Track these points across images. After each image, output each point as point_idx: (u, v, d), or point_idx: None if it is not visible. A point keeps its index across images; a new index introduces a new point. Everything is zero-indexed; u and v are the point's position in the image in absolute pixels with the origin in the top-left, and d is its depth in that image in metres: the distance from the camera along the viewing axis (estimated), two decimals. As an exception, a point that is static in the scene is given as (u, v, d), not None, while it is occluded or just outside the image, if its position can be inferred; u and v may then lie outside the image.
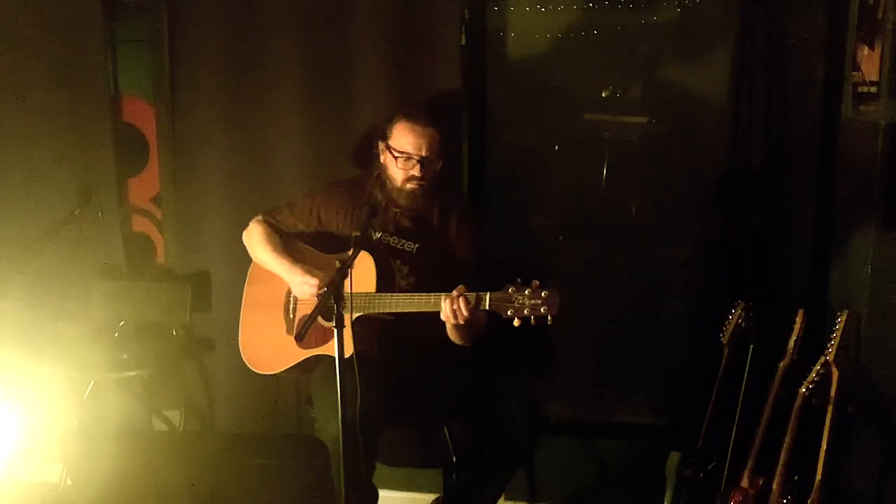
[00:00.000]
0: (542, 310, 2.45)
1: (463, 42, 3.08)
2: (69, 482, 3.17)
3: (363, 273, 2.62)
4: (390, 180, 2.77)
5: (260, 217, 2.94)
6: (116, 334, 3.44)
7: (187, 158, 3.30)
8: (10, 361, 3.24)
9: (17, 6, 3.25)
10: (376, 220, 2.73)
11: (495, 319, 2.52)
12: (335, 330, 2.21)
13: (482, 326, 2.61)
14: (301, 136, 3.17)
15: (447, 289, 2.53)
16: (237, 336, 2.93)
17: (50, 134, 3.33)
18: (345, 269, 2.28)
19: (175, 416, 3.47)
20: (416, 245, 2.79)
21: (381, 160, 2.80)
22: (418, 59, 3.06)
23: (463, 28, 3.08)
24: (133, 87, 3.43)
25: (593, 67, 3.37)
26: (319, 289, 2.70)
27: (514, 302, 2.47)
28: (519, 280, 2.48)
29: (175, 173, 3.34)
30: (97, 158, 3.35)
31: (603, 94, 3.38)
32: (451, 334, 2.67)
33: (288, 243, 2.88)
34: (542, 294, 2.45)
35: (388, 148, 2.75)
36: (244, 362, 2.89)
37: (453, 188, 3.03)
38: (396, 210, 2.79)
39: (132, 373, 3.21)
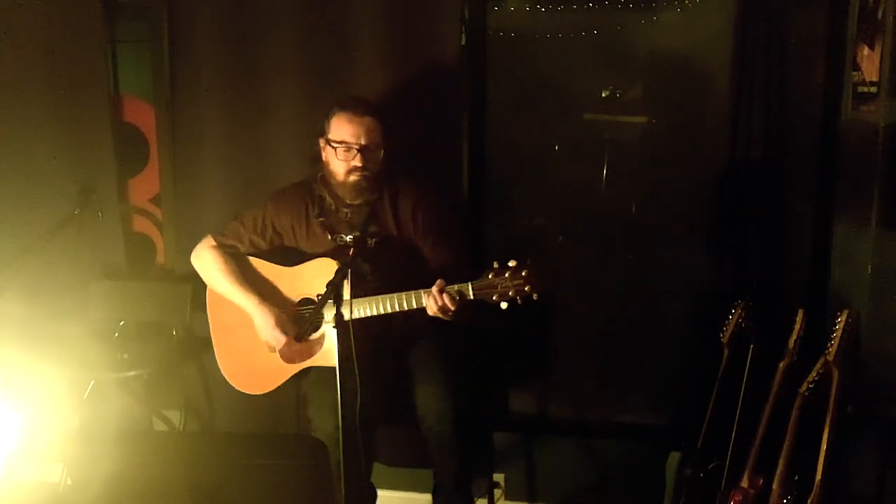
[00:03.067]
0: (525, 289, 2.42)
1: (463, 42, 3.09)
2: (69, 482, 3.16)
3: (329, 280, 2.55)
4: (333, 176, 2.74)
5: (211, 241, 2.87)
6: (116, 334, 3.43)
7: (187, 158, 3.30)
8: (10, 361, 3.24)
9: (16, 6, 3.25)
10: (329, 223, 2.72)
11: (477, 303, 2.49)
12: (335, 331, 2.21)
13: (470, 310, 2.54)
14: (301, 136, 3.16)
15: (416, 279, 2.49)
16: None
17: (50, 134, 3.33)
18: (345, 269, 2.28)
19: (175, 416, 3.47)
20: (374, 241, 2.74)
21: (324, 157, 2.77)
22: (418, 59, 3.06)
23: (463, 28, 3.08)
24: (133, 87, 3.43)
25: (593, 67, 3.37)
26: (281, 345, 2.70)
27: (496, 287, 2.44)
28: (496, 264, 2.46)
29: (175, 173, 3.33)
30: (97, 158, 3.34)
31: (603, 94, 3.38)
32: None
33: (246, 267, 2.83)
34: (523, 273, 2.43)
35: (328, 142, 2.73)
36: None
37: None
38: (347, 210, 2.77)
39: (132, 373, 3.20)
